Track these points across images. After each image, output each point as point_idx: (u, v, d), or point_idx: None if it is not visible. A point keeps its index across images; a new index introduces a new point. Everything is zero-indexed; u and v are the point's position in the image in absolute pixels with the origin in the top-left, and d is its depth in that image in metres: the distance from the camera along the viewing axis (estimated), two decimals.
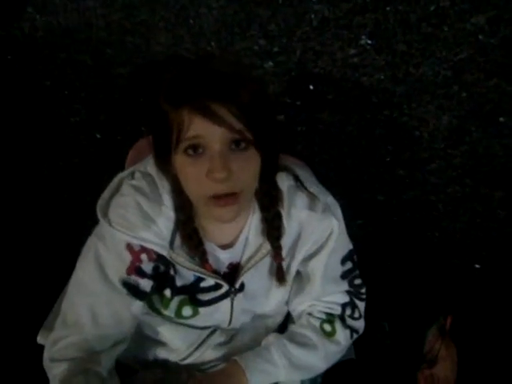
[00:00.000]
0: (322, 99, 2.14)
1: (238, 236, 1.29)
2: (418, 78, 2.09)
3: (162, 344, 1.42)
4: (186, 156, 1.21)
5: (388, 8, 2.02)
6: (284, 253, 1.33)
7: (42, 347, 1.51)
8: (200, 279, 1.31)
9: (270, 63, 2.12)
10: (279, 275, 1.34)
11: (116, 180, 1.26)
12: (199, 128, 1.17)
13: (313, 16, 2.07)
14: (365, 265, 1.55)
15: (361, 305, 1.43)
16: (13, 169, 2.54)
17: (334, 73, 2.08)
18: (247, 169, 1.23)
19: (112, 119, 2.65)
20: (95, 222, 1.32)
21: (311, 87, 2.15)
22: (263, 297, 1.38)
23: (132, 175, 1.25)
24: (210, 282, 1.30)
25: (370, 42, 2.05)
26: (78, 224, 2.61)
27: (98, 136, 2.67)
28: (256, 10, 2.07)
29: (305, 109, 2.14)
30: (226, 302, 1.33)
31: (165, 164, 1.28)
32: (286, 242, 1.31)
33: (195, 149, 1.19)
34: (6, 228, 2.53)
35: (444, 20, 2.01)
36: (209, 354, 1.42)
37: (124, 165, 1.41)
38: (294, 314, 1.46)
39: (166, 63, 2.38)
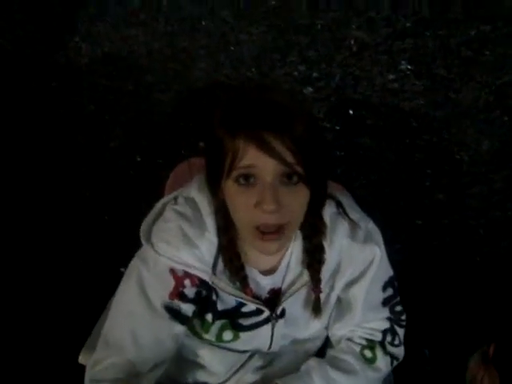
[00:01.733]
0: (361, 124, 2.13)
1: (280, 262, 1.27)
2: (458, 102, 2.06)
3: (201, 367, 1.40)
4: (237, 184, 1.19)
5: (427, 33, 2.00)
6: (324, 280, 1.30)
7: (82, 367, 1.50)
8: (241, 304, 1.29)
9: (310, 89, 2.12)
10: (316, 307, 1.32)
11: (159, 205, 1.26)
12: (253, 158, 1.15)
13: (352, 42, 2.06)
14: (405, 290, 1.50)
15: (401, 331, 1.42)
16: (54, 190, 2.58)
17: (374, 98, 2.07)
18: (296, 203, 1.22)
19: (152, 143, 2.74)
20: (134, 244, 1.31)
21: (351, 112, 2.14)
22: (303, 323, 1.36)
23: (175, 200, 1.24)
24: (251, 307, 1.28)
25: (409, 67, 2.04)
26: (119, 244, 2.61)
27: (139, 159, 2.78)
28: (295, 37, 2.07)
29: (344, 134, 2.14)
30: (267, 328, 1.32)
31: (215, 187, 1.27)
32: (327, 268, 1.30)
33: (247, 178, 1.17)
34: (45, 250, 2.56)
35: (485, 44, 1.98)
36: (248, 377, 1.40)
37: (163, 187, 1.40)
38: (334, 338, 1.45)
39: (207, 89, 2.39)
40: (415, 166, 2.15)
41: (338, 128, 2.19)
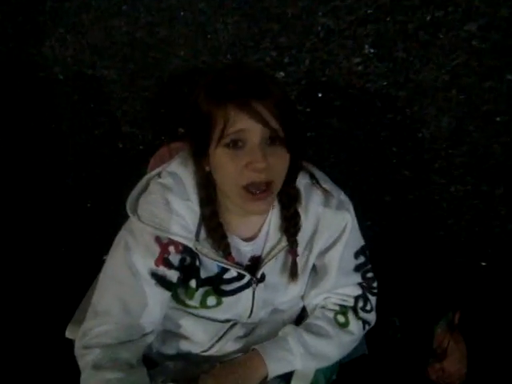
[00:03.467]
0: (329, 106, 2.13)
1: (260, 230, 1.25)
2: (418, 83, 2.05)
3: (184, 337, 1.38)
4: (227, 149, 1.29)
5: (388, 19, 2.01)
6: (302, 247, 1.27)
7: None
8: (223, 271, 1.30)
9: (282, 73, 2.18)
10: (293, 270, 1.29)
11: (144, 180, 1.25)
12: (243, 123, 1.25)
13: (319, 28, 2.06)
14: (375, 264, 1.50)
15: (372, 299, 1.39)
16: (37, 179, 2.57)
17: (341, 81, 2.11)
18: (279, 162, 1.32)
19: (134, 130, 2.80)
20: (117, 229, 1.27)
21: (319, 95, 2.13)
22: (282, 288, 1.35)
23: (159, 175, 1.20)
24: (232, 273, 1.29)
25: (372, 50, 2.09)
26: (102, 232, 2.54)
27: (121, 146, 2.83)
28: (268, 25, 2.05)
29: (314, 115, 2.13)
30: (248, 292, 1.61)
31: (201, 158, 1.38)
32: (303, 236, 1.28)
33: (236, 143, 1.28)
34: (29, 237, 2.51)
35: (439, 28, 1.97)
36: (229, 345, 1.38)
37: (145, 172, 1.36)
38: (309, 307, 1.42)
39: (186, 76, 2.32)
40: (382, 144, 2.15)
41: (308, 110, 2.17)
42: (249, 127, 1.25)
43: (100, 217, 2.80)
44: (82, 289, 1.78)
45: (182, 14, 2.55)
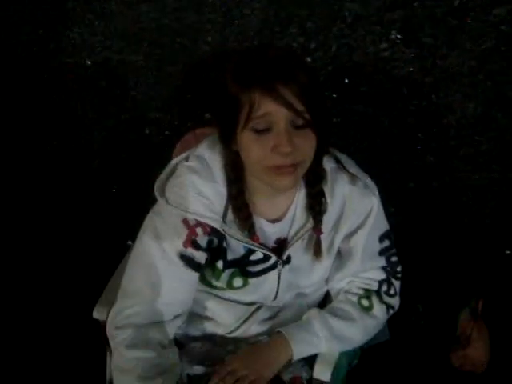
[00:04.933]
0: (356, 92, 2.13)
1: (286, 211, 1.25)
2: (444, 68, 2.04)
3: (209, 319, 1.39)
4: (253, 132, 1.25)
5: (415, 4, 1.97)
6: (328, 228, 1.28)
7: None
8: (250, 252, 1.49)
9: (308, 59, 2.16)
10: (317, 248, 1.25)
11: (172, 163, 1.26)
12: (268, 107, 1.21)
13: (347, 14, 2.08)
14: (399, 250, 1.64)
15: (396, 283, 1.38)
16: (64, 164, 2.66)
17: (367, 66, 2.10)
18: (306, 145, 1.28)
19: (161, 116, 2.76)
20: (143, 215, 1.46)
21: (346, 81, 2.12)
22: (307, 271, 1.35)
23: (186, 159, 1.16)
24: (258, 255, 1.49)
25: (399, 36, 2.06)
26: (127, 217, 2.52)
27: (147, 132, 2.77)
28: (295, 10, 2.03)
29: (340, 101, 2.11)
30: (274, 274, 1.51)
31: (229, 140, 1.33)
32: (330, 217, 1.26)
33: (262, 126, 1.23)
34: (56, 221, 2.51)
35: (467, 13, 1.96)
36: (254, 328, 1.37)
37: (171, 158, 1.34)
38: (333, 291, 1.43)
39: (213, 62, 2.30)
40: (407, 131, 2.14)
41: (334, 96, 2.16)
42: (274, 111, 1.22)
43: (126, 202, 2.80)
44: (107, 272, 1.78)
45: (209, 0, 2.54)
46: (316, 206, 1.47)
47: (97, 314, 1.66)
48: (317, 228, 1.50)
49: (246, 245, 1.47)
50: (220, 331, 1.62)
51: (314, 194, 1.47)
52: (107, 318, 1.52)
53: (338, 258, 1.61)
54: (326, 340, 1.51)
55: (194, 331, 1.62)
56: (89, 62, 2.85)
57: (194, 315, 1.60)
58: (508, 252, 2.56)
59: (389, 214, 1.69)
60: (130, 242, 2.17)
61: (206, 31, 2.62)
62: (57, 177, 2.91)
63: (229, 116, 1.32)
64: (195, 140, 1.69)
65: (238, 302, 1.58)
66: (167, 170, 1.49)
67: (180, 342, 1.61)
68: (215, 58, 2.68)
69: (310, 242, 1.55)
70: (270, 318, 1.63)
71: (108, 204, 2.86)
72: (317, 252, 1.53)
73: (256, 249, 1.47)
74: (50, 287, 2.55)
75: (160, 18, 2.62)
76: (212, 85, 2.50)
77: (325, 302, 1.74)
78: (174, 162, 1.50)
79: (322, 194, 1.47)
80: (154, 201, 1.49)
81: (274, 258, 1.51)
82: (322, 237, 1.53)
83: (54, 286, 2.55)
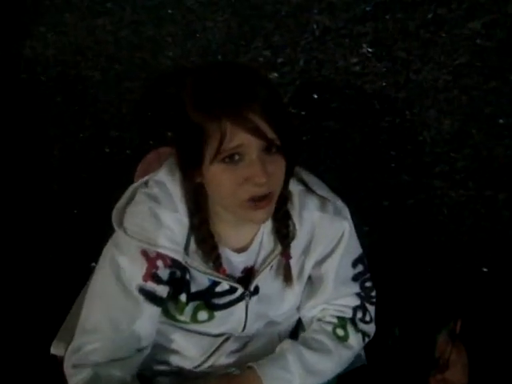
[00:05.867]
0: (326, 108, 2.14)
1: (253, 240, 1.25)
2: (418, 83, 2.10)
3: (175, 352, 1.39)
4: (223, 164, 1.23)
5: (387, 16, 2.08)
6: (298, 254, 1.29)
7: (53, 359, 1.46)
8: (215, 284, 1.51)
9: (275, 74, 2.19)
10: (286, 274, 1.28)
11: (130, 189, 1.25)
12: (241, 139, 1.19)
13: (315, 26, 2.12)
14: (373, 271, 1.68)
15: (371, 309, 1.40)
16: (21, 184, 2.52)
17: (337, 81, 2.12)
18: (278, 171, 1.29)
19: (121, 134, 2.80)
20: (105, 236, 1.47)
21: (315, 96, 2.17)
22: (277, 300, 1.36)
23: (146, 184, 1.18)
24: (224, 286, 1.49)
25: (370, 50, 2.09)
26: (89, 238, 2.52)
27: (107, 150, 2.80)
28: (260, 23, 2.07)
29: (309, 118, 2.14)
30: (241, 306, 1.51)
31: (191, 173, 1.31)
32: (299, 243, 1.29)
33: (232, 157, 1.23)
34: (15, 242, 2.46)
35: (441, 26, 2.03)
36: (222, 360, 1.39)
37: (132, 178, 1.35)
38: (305, 319, 1.44)
39: (173, 77, 2.31)
40: (380, 148, 2.17)
41: (303, 113, 2.20)
42: (247, 141, 1.22)
43: (87, 223, 2.78)
44: (69, 297, 1.78)
45: (169, 11, 2.55)
46: (283, 229, 1.48)
47: (54, 350, 1.65)
48: (285, 253, 1.52)
49: (210, 277, 1.48)
50: (187, 365, 1.61)
51: (279, 217, 1.48)
52: (65, 354, 1.52)
53: (309, 285, 1.63)
54: (300, 376, 1.52)
55: (160, 365, 1.62)
56: (43, 78, 2.84)
57: (159, 347, 1.60)
58: (485, 270, 2.61)
59: (363, 234, 1.72)
60: (93, 264, 2.16)
61: (166, 45, 2.62)
62: (14, 197, 2.89)
63: (193, 147, 1.30)
64: (158, 160, 1.69)
65: (205, 334, 1.59)
66: (125, 195, 1.48)
67: (146, 377, 1.62)
68: (176, 73, 2.70)
69: (279, 268, 1.56)
70: (239, 350, 1.64)
71: (69, 225, 2.85)
72: (287, 278, 1.55)
73: (221, 280, 1.48)
74: (13, 312, 2.53)
75: (117, 32, 2.63)
76: (173, 102, 2.52)
77: (297, 329, 1.76)
78: (132, 187, 1.49)
79: (287, 217, 1.49)
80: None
81: (240, 290, 1.52)
82: (292, 263, 1.54)
83: (13, 312, 2.53)
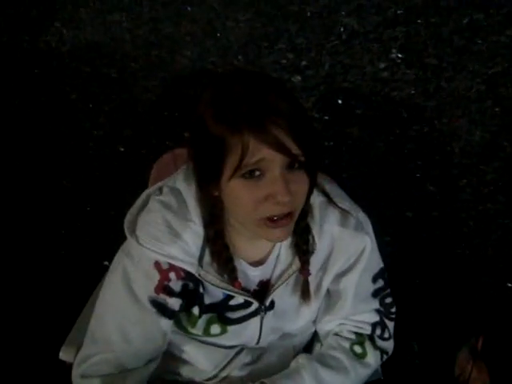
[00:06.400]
0: (350, 114, 2.17)
1: (270, 253, 1.26)
2: (449, 92, 2.11)
3: (187, 364, 1.40)
4: (243, 179, 1.21)
5: (419, 21, 2.08)
6: (315, 269, 1.30)
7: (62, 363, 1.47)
8: (229, 297, 1.50)
9: (298, 77, 2.20)
10: (304, 290, 1.30)
11: (143, 196, 1.27)
12: (263, 153, 1.18)
13: (342, 29, 2.15)
14: (393, 283, 1.68)
15: (390, 325, 1.42)
16: (35, 180, 2.54)
17: (364, 87, 2.12)
18: (301, 189, 1.27)
19: (136, 133, 2.83)
20: (118, 236, 1.47)
21: (340, 102, 2.19)
22: (293, 315, 1.37)
23: (160, 191, 1.20)
24: (239, 299, 1.49)
25: (400, 55, 2.09)
26: (101, 238, 2.54)
27: (122, 149, 2.83)
28: (284, 24, 2.13)
29: (333, 124, 2.14)
30: (256, 321, 1.50)
31: (209, 187, 1.29)
32: (318, 258, 1.29)
33: (252, 172, 1.21)
34: (28, 239, 2.49)
35: (477, 33, 2.01)
36: (235, 373, 1.42)
37: (147, 178, 1.36)
38: (321, 332, 1.46)
39: (192, 77, 2.34)
40: (406, 157, 2.21)
41: (326, 118, 2.21)
42: (269, 156, 1.21)
43: (100, 221, 2.80)
44: (81, 296, 1.79)
45: (188, 9, 2.56)
46: (302, 245, 1.48)
47: (64, 355, 1.66)
48: (304, 269, 1.52)
49: (224, 291, 1.48)
50: (198, 377, 1.62)
51: (299, 231, 1.47)
52: (74, 362, 1.53)
53: (327, 300, 1.63)
54: None
55: (170, 376, 1.62)
56: (58, 74, 2.87)
57: (170, 357, 1.61)
58: (510, 285, 2.60)
59: (383, 244, 1.72)
60: (106, 263, 2.16)
61: (184, 44, 2.59)
62: (28, 194, 2.92)
63: (212, 161, 1.30)
64: (174, 161, 1.70)
65: (217, 346, 1.60)
66: (138, 202, 1.48)
67: None
68: (195, 74, 2.71)
69: (297, 284, 1.56)
70: (253, 362, 1.64)
71: (82, 222, 2.87)
72: (305, 295, 1.54)
73: (236, 295, 1.49)
74: (22, 311, 2.56)
75: (134, 29, 2.65)
76: (191, 103, 2.53)
77: (312, 341, 1.77)
78: (145, 193, 1.49)
79: (307, 231, 1.49)
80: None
81: (255, 304, 1.53)
82: (310, 278, 1.55)
83: (24, 310, 2.55)
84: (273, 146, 1.17)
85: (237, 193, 1.24)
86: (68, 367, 1.57)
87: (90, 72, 2.72)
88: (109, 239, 1.56)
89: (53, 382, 1.78)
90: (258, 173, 1.20)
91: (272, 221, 1.25)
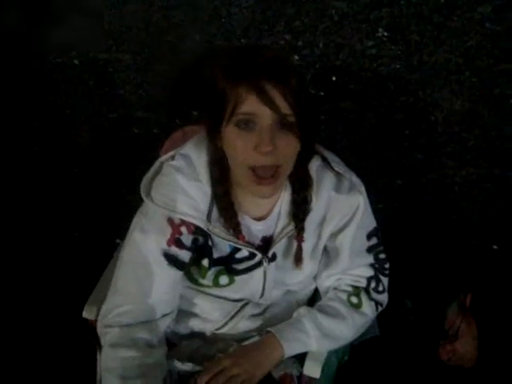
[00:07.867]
0: (343, 89, 2.12)
1: (271, 210, 1.24)
2: (431, 65, 2.09)
3: (197, 316, 1.39)
4: (237, 128, 1.27)
5: (402, 2, 1.97)
6: (311, 229, 1.25)
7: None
8: (235, 250, 1.49)
9: (296, 57, 2.18)
10: (297, 256, 1.28)
11: (157, 163, 1.27)
12: (253, 105, 1.23)
13: (333, 12, 2.12)
14: (387, 246, 1.67)
15: (384, 279, 1.39)
16: (51, 163, 2.58)
17: (354, 64, 2.15)
18: (288, 147, 1.29)
19: (149, 115, 2.76)
20: (131, 214, 1.50)
21: (333, 78, 2.13)
22: (291, 270, 1.30)
23: (172, 158, 1.19)
24: (244, 252, 1.49)
25: (386, 33, 2.13)
26: (114, 216, 2.53)
27: (136, 131, 2.79)
28: (282, 8, 2.09)
29: (328, 99, 2.13)
30: (260, 271, 1.52)
31: (215, 134, 1.35)
32: (313, 219, 1.27)
33: (246, 123, 1.26)
34: (42, 222, 2.53)
35: (453, 11, 1.97)
36: (243, 324, 1.39)
37: (159, 156, 1.37)
38: (322, 289, 1.42)
39: (199, 60, 2.31)
40: (394, 127, 2.13)
41: (322, 94, 2.16)
42: (259, 110, 1.25)
43: (114, 201, 2.81)
44: (96, 271, 1.80)
45: None
46: (299, 214, 1.50)
47: (86, 314, 1.68)
48: (299, 236, 1.53)
49: (230, 243, 1.49)
50: (208, 328, 1.64)
51: (298, 201, 1.49)
52: (97, 316, 1.54)
53: (326, 256, 1.63)
54: (316, 338, 1.54)
55: (183, 329, 1.65)
56: (76, 62, 2.85)
57: (183, 312, 1.62)
58: (495, 247, 2.59)
59: (377, 211, 1.71)
60: (118, 241, 2.18)
61: (193, 29, 2.65)
62: (44, 176, 2.92)
63: (215, 110, 1.35)
64: (183, 137, 1.72)
65: (226, 299, 1.61)
66: (153, 168, 1.52)
67: (170, 341, 1.63)
68: (202, 56, 2.70)
69: (289, 245, 1.57)
70: (259, 314, 1.65)
71: (96, 203, 2.88)
72: (297, 259, 1.56)
73: (241, 247, 1.50)
74: (40, 287, 2.58)
75: (147, 17, 2.63)
76: (199, 82, 2.52)
77: (314, 298, 1.76)
78: (159, 160, 1.53)
79: (306, 202, 1.50)
80: (141, 199, 1.52)
81: (259, 256, 1.54)
82: (307, 236, 1.54)
83: (43, 286, 2.57)
84: (263, 100, 1.24)
85: (232, 141, 1.30)
86: (90, 324, 1.59)
87: (107, 59, 2.70)
88: (122, 218, 1.56)
89: (78, 336, 1.79)
90: (251, 124, 1.26)
91: (257, 176, 1.28)
